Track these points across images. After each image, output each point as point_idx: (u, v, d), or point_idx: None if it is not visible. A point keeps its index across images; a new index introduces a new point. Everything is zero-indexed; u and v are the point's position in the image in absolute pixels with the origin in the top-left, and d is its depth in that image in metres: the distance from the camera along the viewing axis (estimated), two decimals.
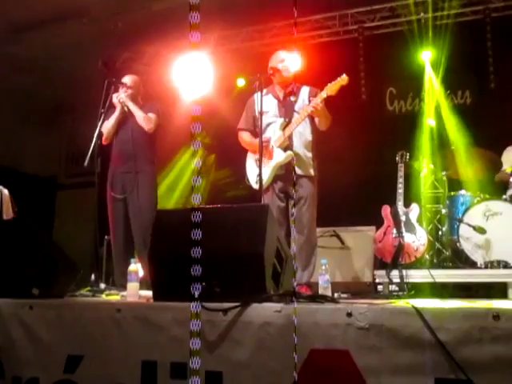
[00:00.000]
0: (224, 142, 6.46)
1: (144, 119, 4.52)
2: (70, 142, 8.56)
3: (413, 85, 6.47)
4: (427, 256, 4.89)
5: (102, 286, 4.09)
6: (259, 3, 6.39)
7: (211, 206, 2.79)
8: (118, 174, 4.48)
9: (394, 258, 4.67)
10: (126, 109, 4.53)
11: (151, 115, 4.56)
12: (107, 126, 4.53)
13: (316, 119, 4.21)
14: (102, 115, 4.15)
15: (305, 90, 4.32)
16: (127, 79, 4.72)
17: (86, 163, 3.97)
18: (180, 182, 7.26)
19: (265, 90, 4.18)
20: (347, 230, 5.43)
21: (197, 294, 2.37)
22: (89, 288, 3.80)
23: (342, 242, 5.37)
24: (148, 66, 7.30)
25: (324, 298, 2.61)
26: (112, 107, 4.51)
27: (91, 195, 4.16)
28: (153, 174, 4.60)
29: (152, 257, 2.81)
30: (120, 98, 4.50)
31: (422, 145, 5.77)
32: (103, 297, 3.66)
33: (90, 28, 6.76)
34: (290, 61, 4.30)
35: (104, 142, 4.53)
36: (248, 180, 4.31)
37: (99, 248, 5.37)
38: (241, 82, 7.00)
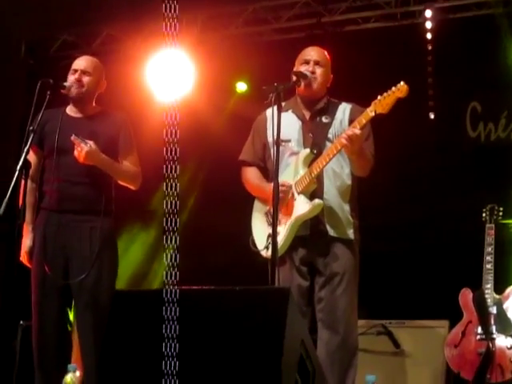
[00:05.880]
0: (215, 176, 6.49)
1: (128, 178, 4.43)
2: None
3: (509, 99, 6.51)
4: None
5: None
6: None
7: (195, 288, 2.82)
8: (54, 226, 4.32)
9: (478, 374, 4.65)
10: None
11: (126, 158, 4.37)
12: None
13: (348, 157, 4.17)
14: (31, 135, 4.04)
15: (344, 108, 4.35)
16: (81, 63, 4.47)
17: (1, 210, 3.87)
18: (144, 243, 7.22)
19: (283, 104, 4.12)
20: (404, 324, 5.40)
21: None
22: None
23: (397, 345, 5.32)
24: (98, 56, 7.34)
25: None
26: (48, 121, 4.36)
27: None
28: (111, 232, 4.47)
29: (104, 367, 2.83)
30: (82, 153, 4.17)
31: None
32: None
33: None
34: (324, 62, 4.32)
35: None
36: (254, 243, 4.30)
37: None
38: (241, 87, 7.15)
